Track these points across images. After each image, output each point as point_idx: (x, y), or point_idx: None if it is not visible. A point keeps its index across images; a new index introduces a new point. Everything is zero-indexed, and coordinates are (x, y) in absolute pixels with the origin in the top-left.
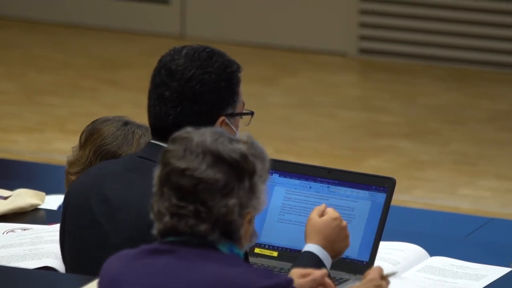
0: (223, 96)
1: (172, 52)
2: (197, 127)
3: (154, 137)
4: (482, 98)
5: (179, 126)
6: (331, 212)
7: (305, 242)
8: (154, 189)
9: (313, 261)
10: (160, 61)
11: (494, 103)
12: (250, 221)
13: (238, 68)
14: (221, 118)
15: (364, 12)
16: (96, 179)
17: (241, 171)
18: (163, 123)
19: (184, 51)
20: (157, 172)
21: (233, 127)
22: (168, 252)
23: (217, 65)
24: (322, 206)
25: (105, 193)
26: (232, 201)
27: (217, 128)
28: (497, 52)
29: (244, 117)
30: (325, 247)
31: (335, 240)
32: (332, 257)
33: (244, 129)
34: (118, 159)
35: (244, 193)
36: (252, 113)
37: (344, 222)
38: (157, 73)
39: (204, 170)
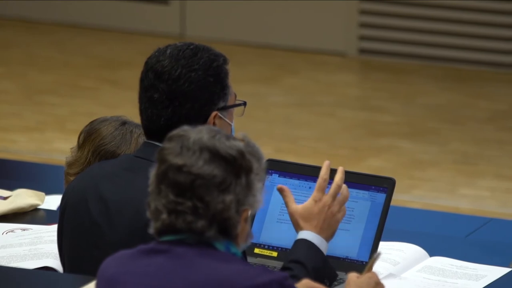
0: (212, 92)
1: (157, 54)
2: (191, 125)
3: (149, 138)
4: (481, 98)
5: (171, 126)
6: (312, 195)
7: (296, 231)
8: (151, 187)
9: (308, 248)
10: (146, 63)
11: (493, 103)
12: (247, 220)
13: (224, 61)
14: (214, 113)
15: (364, 12)
16: (93, 179)
17: (238, 168)
18: (156, 125)
19: (168, 51)
20: (153, 170)
21: (227, 120)
22: (164, 252)
23: (202, 61)
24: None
25: (102, 193)
26: (229, 197)
27: (214, 126)
28: (496, 52)
29: (237, 108)
30: (317, 231)
31: (324, 220)
32: (327, 238)
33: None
34: (114, 159)
35: (241, 189)
36: (244, 104)
37: (327, 199)
38: (145, 76)
39: (201, 166)
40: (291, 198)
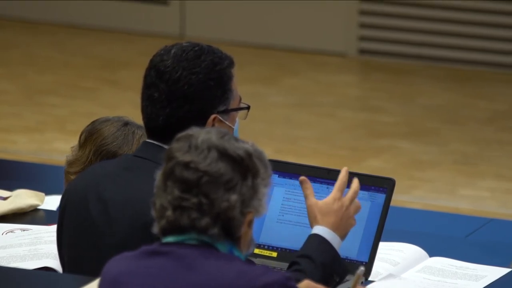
0: (213, 95)
1: (162, 52)
2: (188, 126)
3: (149, 137)
4: (481, 98)
5: (169, 126)
6: (333, 193)
7: (311, 226)
8: (157, 185)
9: (320, 243)
10: (151, 61)
11: (493, 103)
12: (250, 224)
13: (229, 64)
14: (213, 116)
15: (363, 12)
16: (93, 179)
17: (245, 169)
18: (154, 123)
19: (173, 51)
20: (160, 169)
21: (228, 123)
22: (167, 253)
23: (204, 65)
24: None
25: (101, 193)
26: (235, 197)
27: (222, 128)
28: (495, 52)
29: (241, 111)
30: (332, 228)
31: (341, 219)
32: (341, 237)
33: (244, 129)
34: (114, 159)
35: (246, 190)
36: (247, 107)
37: (346, 200)
38: (148, 74)
39: (209, 163)
40: (311, 190)
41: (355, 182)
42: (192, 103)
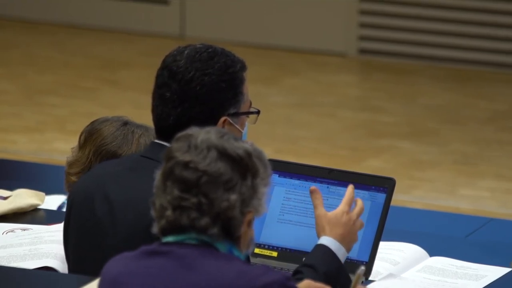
0: (224, 97)
1: (175, 52)
2: (199, 127)
3: (158, 137)
4: (481, 98)
5: (179, 126)
6: (341, 206)
7: (318, 236)
8: (156, 185)
9: (324, 253)
10: (163, 61)
11: (493, 103)
12: (250, 223)
13: (241, 68)
14: (223, 118)
15: (363, 12)
16: (99, 179)
17: (245, 168)
18: (165, 123)
19: (186, 52)
20: (160, 169)
21: (237, 127)
22: (166, 253)
23: (217, 66)
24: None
25: (108, 193)
26: (234, 196)
27: (222, 128)
28: (496, 52)
29: (251, 115)
30: (339, 239)
31: (349, 233)
32: (346, 250)
33: (249, 129)
34: (121, 159)
35: (246, 190)
36: (257, 112)
37: (354, 215)
38: (160, 73)
39: (208, 163)
40: (321, 201)
41: (359, 200)
42: (203, 104)
